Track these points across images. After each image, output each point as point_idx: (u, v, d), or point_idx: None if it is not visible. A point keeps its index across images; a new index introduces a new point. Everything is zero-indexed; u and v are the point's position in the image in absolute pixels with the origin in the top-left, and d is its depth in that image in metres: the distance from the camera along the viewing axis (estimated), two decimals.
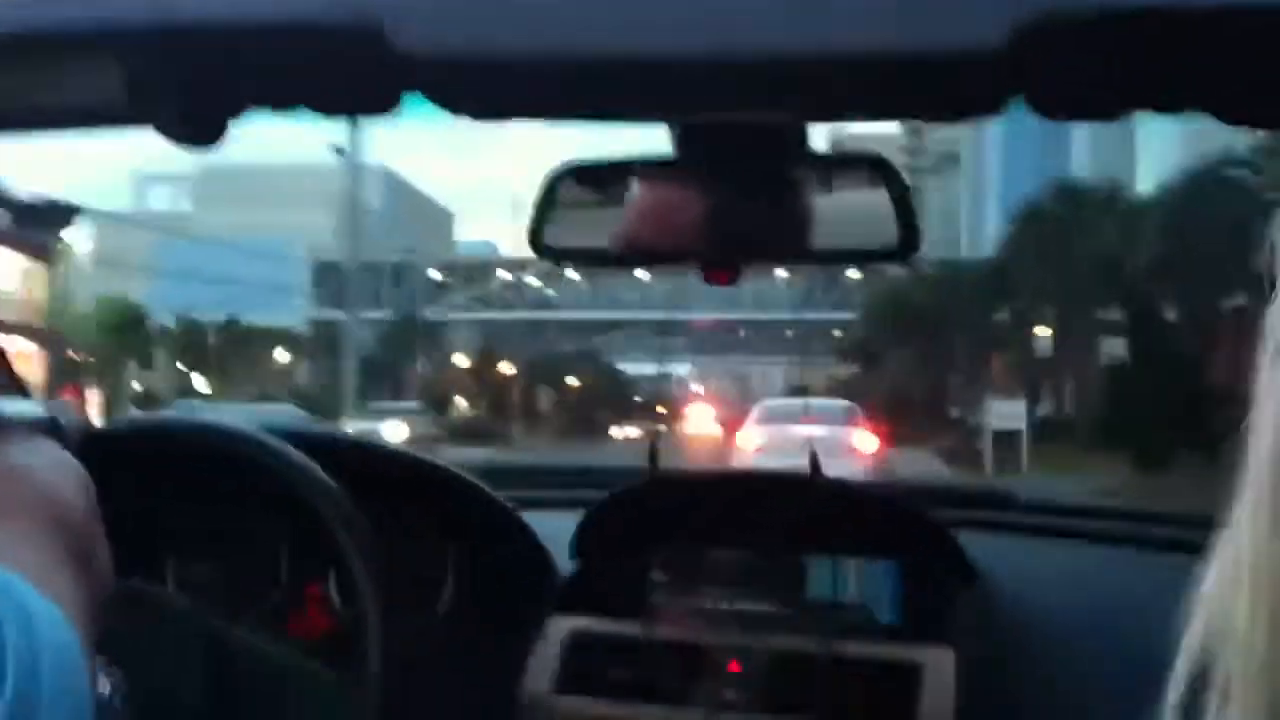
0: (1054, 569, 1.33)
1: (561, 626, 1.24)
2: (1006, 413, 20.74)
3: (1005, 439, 20.22)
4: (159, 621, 0.99)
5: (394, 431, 18.01)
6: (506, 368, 42.01)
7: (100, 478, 1.10)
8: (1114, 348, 24.26)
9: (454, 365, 40.87)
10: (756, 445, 12.42)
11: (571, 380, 44.95)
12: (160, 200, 43.89)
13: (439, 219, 56.36)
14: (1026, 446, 19.74)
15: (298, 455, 1.07)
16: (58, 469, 0.67)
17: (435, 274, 40.90)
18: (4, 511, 0.61)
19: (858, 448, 11.78)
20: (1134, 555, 1.34)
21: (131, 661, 0.94)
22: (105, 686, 0.93)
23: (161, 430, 1.18)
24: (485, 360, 41.92)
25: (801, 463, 1.23)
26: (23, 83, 0.82)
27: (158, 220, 34.95)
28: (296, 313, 32.64)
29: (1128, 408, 17.17)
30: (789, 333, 44.90)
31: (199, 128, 0.82)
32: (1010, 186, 30.22)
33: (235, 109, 0.83)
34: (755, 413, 14.30)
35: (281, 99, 0.85)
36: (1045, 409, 26.11)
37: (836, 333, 39.42)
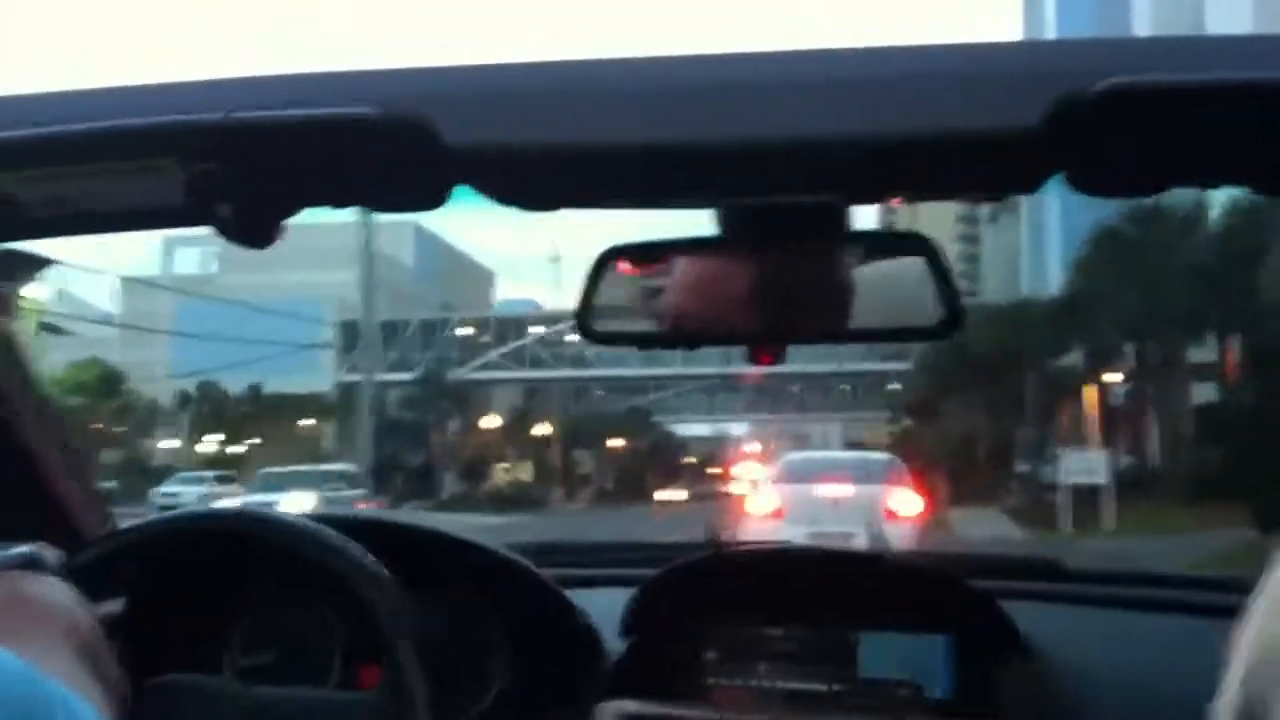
0: (1104, 638, 1.38)
1: (612, 709, 1.29)
2: (1084, 466, 19.47)
3: (1084, 495, 19.05)
4: (217, 711, 1.08)
5: (296, 504, 14.25)
6: (543, 429, 42.03)
7: (153, 571, 1.19)
8: (1208, 389, 22.73)
9: (482, 427, 40.88)
10: (773, 509, 10.80)
11: (616, 442, 44.76)
12: (188, 262, 44.75)
13: (478, 277, 56.68)
14: (1110, 503, 18.62)
15: (347, 545, 1.12)
16: (58, 592, 0.81)
17: (466, 331, 41.07)
18: (25, 628, 0.73)
19: (897, 511, 10.15)
20: (1185, 623, 1.39)
21: None
22: None
23: (211, 522, 1.25)
24: (519, 421, 41.98)
25: (827, 529, 1.28)
26: (83, 186, 0.89)
27: (184, 283, 35.62)
28: (322, 375, 33.11)
29: (1237, 458, 15.84)
30: (845, 387, 44.66)
31: (255, 227, 0.89)
32: (1072, 226, 29.85)
33: (290, 207, 0.91)
34: (773, 470, 12.46)
35: (335, 196, 0.93)
36: (1126, 461, 25.01)
37: (895, 386, 39.17)
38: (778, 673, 1.32)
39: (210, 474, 31.13)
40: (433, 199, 0.87)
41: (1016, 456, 29.60)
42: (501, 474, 40.83)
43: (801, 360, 36.85)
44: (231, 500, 15.43)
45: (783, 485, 11.32)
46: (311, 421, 37.70)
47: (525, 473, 41.52)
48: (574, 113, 0.76)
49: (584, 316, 1.08)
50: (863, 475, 11.12)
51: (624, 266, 1.11)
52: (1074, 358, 26.70)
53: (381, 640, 1.09)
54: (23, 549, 0.86)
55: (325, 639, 1.33)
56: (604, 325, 1.11)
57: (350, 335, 35.52)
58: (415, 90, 0.76)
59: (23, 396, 1.26)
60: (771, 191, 0.98)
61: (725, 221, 1.04)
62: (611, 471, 45.58)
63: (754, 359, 1.12)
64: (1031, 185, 0.89)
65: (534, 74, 0.78)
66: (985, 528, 18.04)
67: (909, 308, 1.08)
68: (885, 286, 1.09)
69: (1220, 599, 1.41)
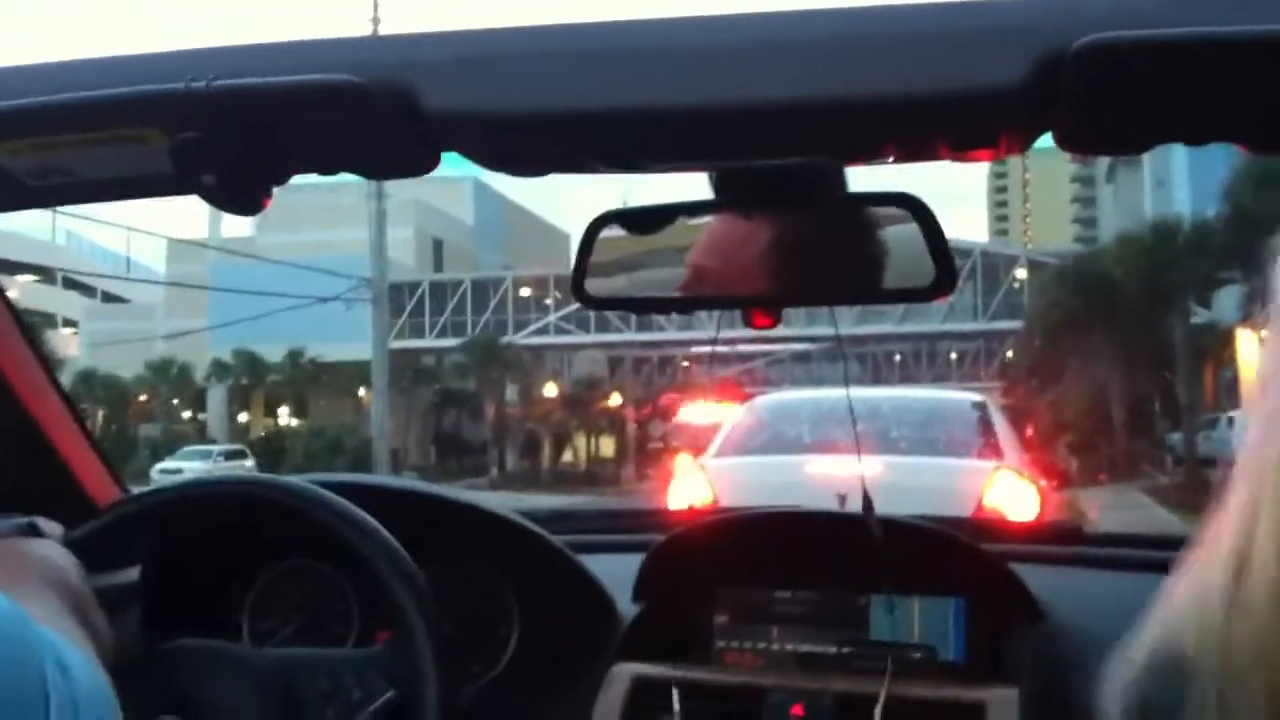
0: (1121, 602, 1.48)
1: (624, 672, 1.44)
2: None
3: None
4: (234, 676, 1.23)
5: None
6: (616, 400, 42.11)
7: (166, 539, 1.34)
8: None
9: (546, 398, 41.09)
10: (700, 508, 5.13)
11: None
12: (240, 225, 45.76)
13: (551, 237, 56.32)
14: None
15: (355, 513, 1.25)
16: (49, 549, 1.02)
17: (525, 292, 41.21)
18: (16, 577, 0.91)
19: (999, 510, 5.46)
20: None
21: (205, 705, 1.19)
22: None
23: (223, 489, 1.37)
24: (589, 392, 42.13)
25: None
26: (72, 155, 1.01)
27: (231, 246, 36.43)
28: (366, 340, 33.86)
29: None
30: (953, 353, 44.16)
31: (242, 195, 1.00)
32: (1201, 182, 28.56)
33: (277, 175, 1.01)
34: (734, 427, 7.05)
35: (322, 163, 1.03)
36: None
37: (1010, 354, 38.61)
38: (788, 635, 1.47)
39: (217, 449, 31.95)
40: (420, 165, 0.97)
41: (1162, 423, 27.77)
42: (574, 450, 41.11)
43: (896, 320, 36.62)
44: None
45: (734, 460, 6.46)
46: (361, 391, 38.39)
47: (607, 448, 41.64)
48: (558, 77, 0.85)
49: (579, 282, 1.22)
50: (922, 441, 6.43)
51: (618, 232, 1.24)
52: (1235, 287, 23.75)
53: (390, 604, 1.22)
54: (21, 519, 1.04)
55: (340, 603, 1.50)
56: (600, 290, 1.25)
57: (400, 297, 35.90)
58: (397, 57, 0.86)
59: (31, 371, 1.41)
60: (761, 154, 1.09)
61: (719, 185, 1.16)
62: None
63: (749, 322, 1.25)
64: (1021, 144, 1.00)
65: (517, 38, 0.88)
66: (1130, 515, 15.72)
67: (904, 268, 1.20)
68: (881, 248, 1.22)
69: None
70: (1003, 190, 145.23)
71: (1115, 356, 27.19)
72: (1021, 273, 36.82)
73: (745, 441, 6.76)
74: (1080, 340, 27.42)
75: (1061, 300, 27.79)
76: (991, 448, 6.38)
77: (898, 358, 45.12)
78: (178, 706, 1.18)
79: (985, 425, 6.73)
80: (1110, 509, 15.99)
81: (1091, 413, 28.60)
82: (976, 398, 7.62)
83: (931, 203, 1.18)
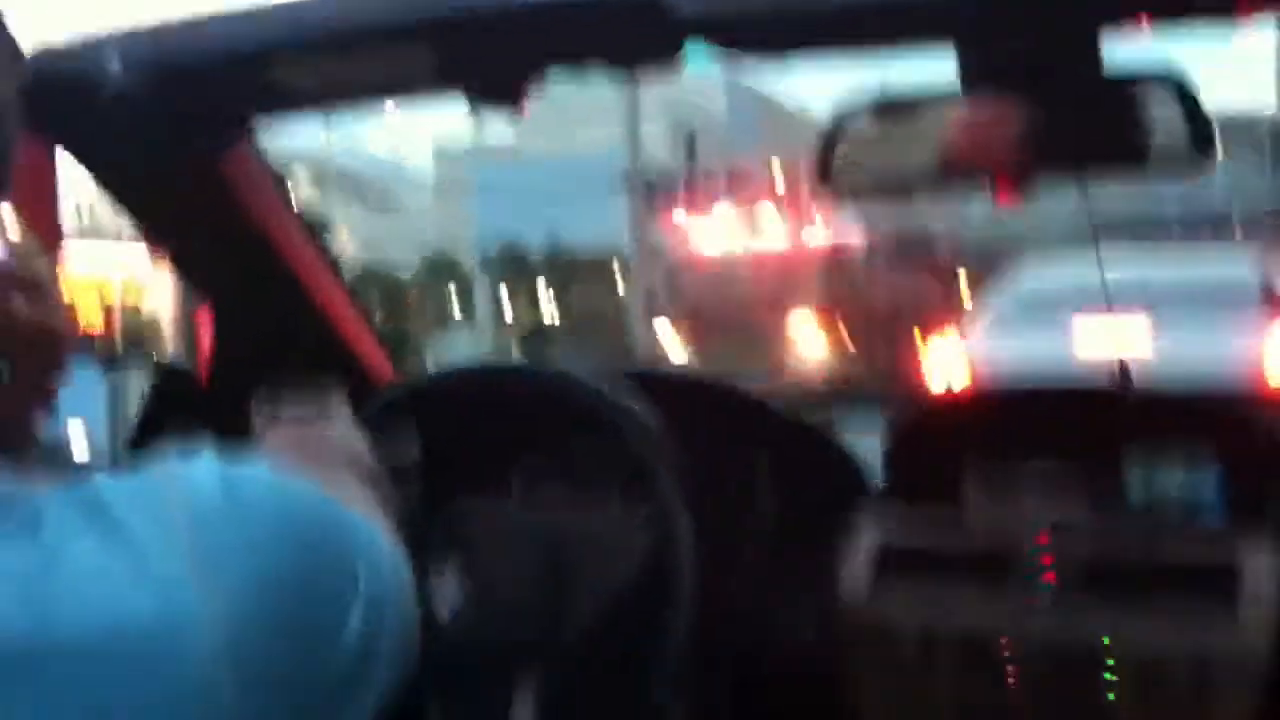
0: None
1: (873, 536, 1.51)
2: None
3: None
4: (505, 534, 1.37)
5: None
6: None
7: (447, 417, 1.50)
8: None
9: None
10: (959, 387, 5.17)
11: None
12: (499, 134, 47.65)
13: (802, 128, 56.09)
14: None
15: (614, 392, 1.36)
16: (346, 430, 1.09)
17: None
18: (321, 460, 0.98)
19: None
20: None
21: (481, 563, 1.33)
22: (454, 587, 1.34)
23: (493, 373, 1.56)
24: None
25: None
26: (349, 68, 1.14)
27: (492, 153, 37.72)
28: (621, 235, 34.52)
29: None
30: (1238, 236, 41.19)
31: (504, 93, 1.12)
32: None
33: (534, 73, 1.12)
34: (995, 303, 7.20)
35: (574, 60, 1.13)
36: None
37: None
38: (1040, 505, 1.48)
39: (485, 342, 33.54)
40: (665, 54, 1.06)
41: None
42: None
43: (1175, 202, 34.37)
44: None
45: (993, 339, 6.49)
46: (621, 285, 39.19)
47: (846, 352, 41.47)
48: None
49: (824, 168, 1.27)
50: (1195, 296, 6.13)
51: (867, 118, 1.28)
52: None
53: (646, 477, 1.34)
54: (314, 401, 1.16)
55: (601, 476, 1.62)
56: (847, 176, 1.29)
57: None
58: None
59: (316, 263, 1.57)
60: (1010, 28, 1.11)
61: (967, 65, 1.18)
62: None
63: (998, 200, 1.27)
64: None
65: None
66: None
67: (1162, 142, 1.19)
68: (1136, 122, 1.21)
69: None
70: None
71: None
72: None
73: (1006, 317, 6.76)
74: None
75: None
76: (1273, 306, 6.10)
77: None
78: (455, 560, 1.33)
79: (1267, 288, 6.48)
80: None
81: None
82: (1254, 258, 7.26)
83: (1206, 73, 1.16)
